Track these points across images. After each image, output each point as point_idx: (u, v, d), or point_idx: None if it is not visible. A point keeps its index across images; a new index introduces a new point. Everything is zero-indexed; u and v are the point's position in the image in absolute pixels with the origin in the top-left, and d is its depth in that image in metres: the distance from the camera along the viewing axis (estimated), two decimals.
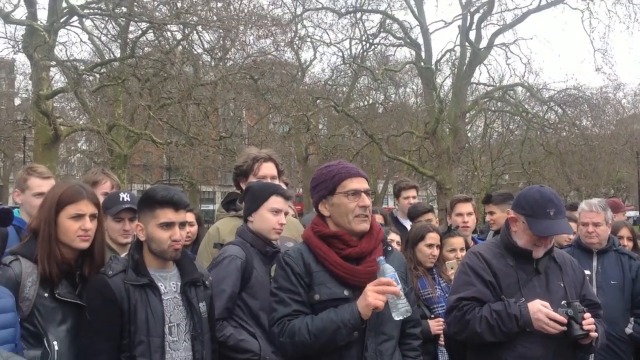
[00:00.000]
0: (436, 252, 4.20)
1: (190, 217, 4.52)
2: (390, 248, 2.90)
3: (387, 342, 2.73)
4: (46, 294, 2.65)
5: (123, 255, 2.92)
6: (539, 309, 2.90)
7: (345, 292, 2.66)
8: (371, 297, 2.53)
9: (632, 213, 34.60)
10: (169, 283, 2.84)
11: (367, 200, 2.75)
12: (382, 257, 2.67)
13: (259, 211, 3.44)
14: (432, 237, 4.19)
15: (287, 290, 2.68)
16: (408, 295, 2.70)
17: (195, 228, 4.82)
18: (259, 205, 3.44)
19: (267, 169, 3.87)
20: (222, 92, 19.38)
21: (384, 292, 2.54)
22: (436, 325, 3.88)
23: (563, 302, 2.97)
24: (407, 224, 5.26)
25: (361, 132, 26.19)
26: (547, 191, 3.10)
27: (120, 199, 3.41)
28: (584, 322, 2.91)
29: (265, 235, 3.42)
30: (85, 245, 2.75)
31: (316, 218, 2.84)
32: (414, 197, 5.74)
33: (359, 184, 2.76)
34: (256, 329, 3.29)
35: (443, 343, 3.78)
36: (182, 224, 2.84)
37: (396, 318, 2.61)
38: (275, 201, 3.46)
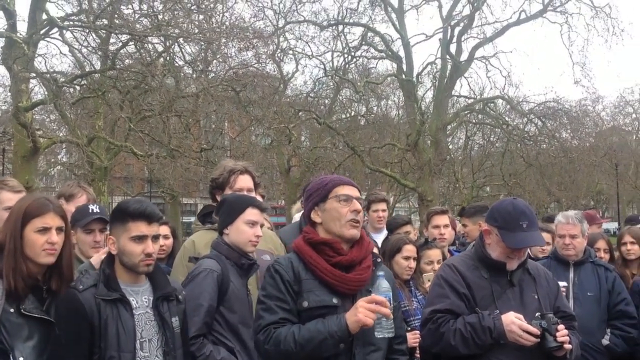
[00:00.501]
0: (413, 264, 4.20)
1: (165, 230, 4.49)
2: (379, 259, 2.91)
3: (375, 352, 2.72)
4: (12, 310, 2.58)
5: (91, 259, 2.87)
6: (513, 321, 2.91)
7: (334, 300, 2.67)
8: (362, 313, 2.53)
9: (611, 225, 34.89)
10: (140, 297, 2.79)
11: (358, 206, 2.77)
12: (382, 273, 2.69)
13: (235, 223, 3.41)
14: (409, 250, 4.20)
15: (275, 298, 2.67)
16: (396, 311, 2.70)
17: (170, 241, 4.78)
18: (234, 217, 3.41)
19: (244, 182, 3.84)
20: (203, 104, 19.36)
21: (375, 310, 2.54)
22: (412, 338, 3.85)
23: (537, 314, 2.99)
24: (376, 237, 5.18)
25: (343, 144, 26.24)
26: (519, 204, 3.13)
27: (90, 211, 3.39)
28: (557, 333, 2.93)
29: (242, 247, 3.39)
30: (50, 260, 2.69)
31: (307, 227, 2.85)
32: (383, 210, 5.61)
33: (351, 191, 2.81)
34: (235, 343, 3.26)
35: (418, 356, 3.77)
36: (155, 237, 2.79)
37: (377, 336, 2.61)
38: (251, 213, 3.43)
